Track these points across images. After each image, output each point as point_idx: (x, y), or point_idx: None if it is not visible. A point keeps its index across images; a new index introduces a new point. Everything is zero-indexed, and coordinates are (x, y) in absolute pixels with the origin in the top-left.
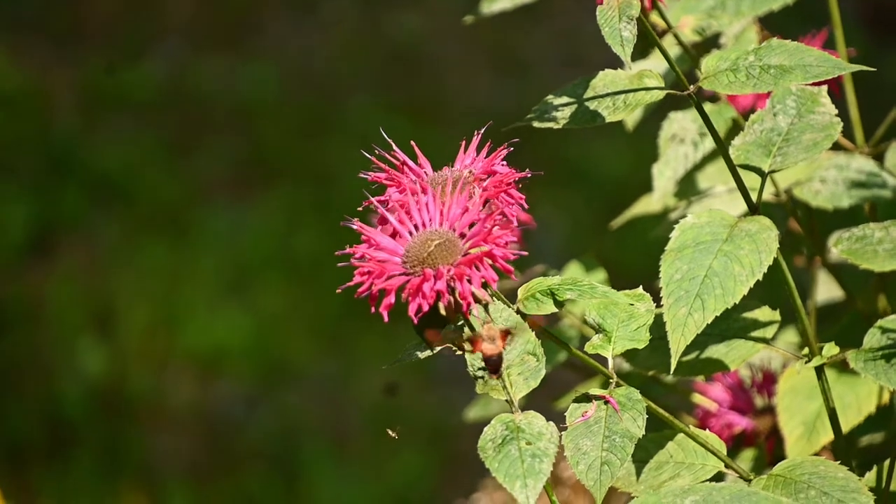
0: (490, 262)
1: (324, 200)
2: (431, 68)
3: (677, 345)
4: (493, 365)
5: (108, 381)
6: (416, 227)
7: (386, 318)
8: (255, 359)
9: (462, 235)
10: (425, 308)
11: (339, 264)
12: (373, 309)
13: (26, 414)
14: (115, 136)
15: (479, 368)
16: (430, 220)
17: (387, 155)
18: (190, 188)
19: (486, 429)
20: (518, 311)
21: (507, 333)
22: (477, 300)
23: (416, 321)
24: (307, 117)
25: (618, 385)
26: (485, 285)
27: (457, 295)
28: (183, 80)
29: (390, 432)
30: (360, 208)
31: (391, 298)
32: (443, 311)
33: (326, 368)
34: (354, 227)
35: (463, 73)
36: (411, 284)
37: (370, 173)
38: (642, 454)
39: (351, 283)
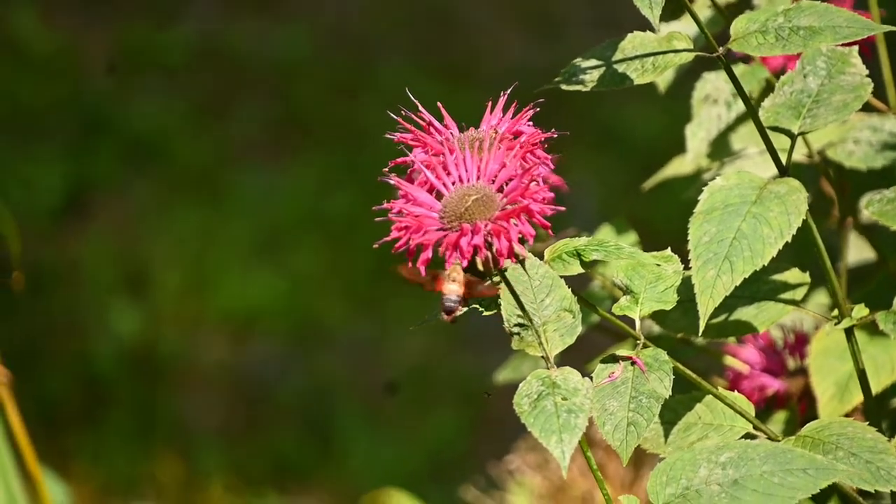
0: (527, 217)
1: (357, 161)
2: (465, 29)
3: (706, 307)
4: (446, 306)
5: (142, 342)
6: (453, 182)
7: (423, 273)
8: (288, 320)
9: (500, 191)
10: (463, 263)
11: (377, 219)
12: (409, 264)
13: (61, 375)
14: (149, 98)
15: (515, 324)
16: (468, 175)
17: (413, 116)
18: (223, 150)
19: (521, 385)
20: None
21: (471, 283)
22: (515, 255)
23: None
24: (341, 78)
25: (645, 346)
26: (522, 240)
27: (494, 250)
28: (216, 41)
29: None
30: (386, 168)
31: (429, 253)
32: (480, 267)
33: (360, 329)
34: (392, 182)
35: (496, 35)
36: (449, 239)
37: (396, 134)
38: (671, 416)
39: (388, 239)
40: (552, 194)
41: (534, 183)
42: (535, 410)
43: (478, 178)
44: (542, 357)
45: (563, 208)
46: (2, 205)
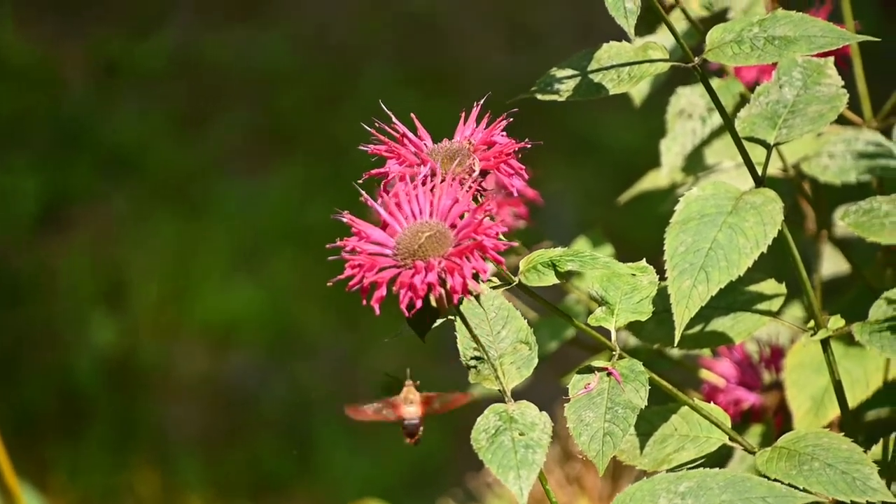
0: (481, 253)
1: (337, 172)
2: (446, 39)
3: (681, 317)
4: (408, 430)
5: (121, 353)
6: (406, 218)
7: (377, 312)
8: (268, 330)
9: (453, 226)
10: (417, 302)
11: (330, 258)
12: (364, 302)
13: (39, 386)
14: (128, 108)
15: (472, 358)
16: (421, 210)
17: (387, 127)
18: (203, 160)
19: (478, 420)
20: (520, 284)
21: (428, 399)
22: (468, 292)
23: (408, 315)
24: (321, 88)
25: (621, 357)
26: (476, 276)
27: (448, 287)
28: (196, 50)
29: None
30: (360, 181)
31: (382, 291)
32: (434, 304)
33: (339, 340)
34: (344, 220)
35: (477, 45)
36: (402, 277)
37: (370, 146)
38: (647, 427)
39: (342, 277)
40: (506, 228)
41: (487, 218)
42: (492, 446)
43: (431, 214)
44: (499, 390)
45: (516, 244)
46: None
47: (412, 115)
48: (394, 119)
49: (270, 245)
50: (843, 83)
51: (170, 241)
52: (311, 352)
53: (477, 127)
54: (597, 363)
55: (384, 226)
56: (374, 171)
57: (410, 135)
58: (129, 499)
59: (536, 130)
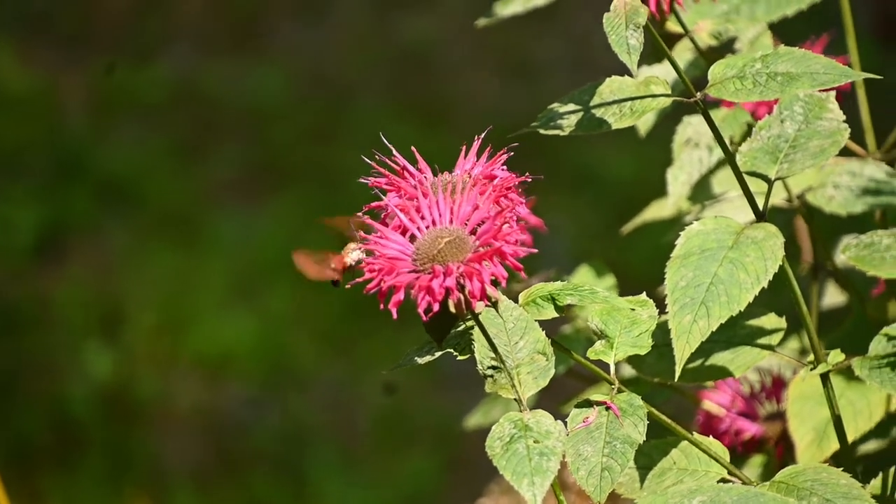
0: (500, 259)
1: (333, 204)
2: (442, 72)
3: (682, 352)
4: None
5: (116, 384)
6: (426, 224)
7: (395, 315)
8: (262, 362)
9: (472, 233)
10: (435, 307)
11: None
12: (382, 306)
13: (34, 417)
14: (125, 138)
15: (488, 367)
16: (441, 217)
17: (387, 160)
18: (199, 191)
19: (494, 427)
20: None
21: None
22: (487, 297)
23: (425, 319)
24: (317, 120)
25: (619, 391)
26: (495, 282)
27: (466, 292)
28: (192, 82)
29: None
30: (360, 213)
31: (400, 295)
32: (452, 309)
33: (333, 372)
34: (366, 222)
35: (473, 77)
36: (421, 281)
37: (370, 178)
38: (646, 461)
39: (361, 280)
40: (525, 236)
41: (506, 225)
42: (507, 453)
43: (451, 220)
44: (515, 399)
45: (535, 250)
46: None
47: (412, 148)
48: (394, 152)
49: (265, 276)
50: (844, 117)
51: (166, 271)
52: (305, 382)
53: (477, 160)
54: (595, 397)
55: (403, 231)
56: (373, 204)
57: (411, 168)
58: None
59: (533, 162)
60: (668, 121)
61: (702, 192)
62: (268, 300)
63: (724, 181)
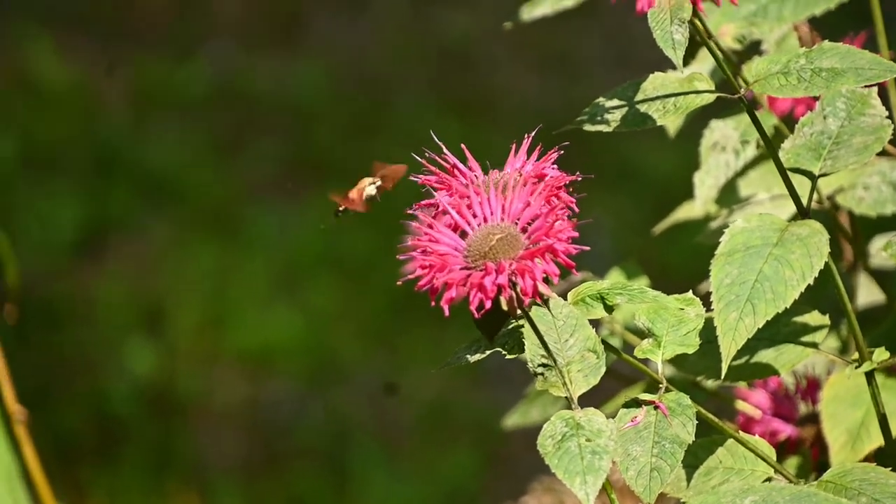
0: (552, 256)
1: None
2: (481, 68)
3: (728, 349)
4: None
5: (158, 379)
6: (477, 221)
7: (447, 313)
8: (305, 358)
9: (524, 230)
10: (487, 304)
11: (400, 256)
12: (433, 303)
13: (76, 413)
14: (165, 134)
15: (539, 365)
16: (492, 214)
17: (437, 158)
18: (239, 187)
19: (545, 426)
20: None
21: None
22: (539, 295)
23: (477, 316)
24: (357, 116)
25: (667, 390)
26: (547, 280)
27: (518, 290)
28: (232, 78)
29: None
30: (411, 209)
31: (452, 292)
32: (504, 306)
33: (376, 367)
34: (417, 219)
35: (512, 73)
36: (473, 278)
37: (420, 176)
38: (691, 459)
39: (411, 276)
40: (577, 233)
41: (558, 222)
42: (559, 451)
43: (502, 217)
44: (566, 398)
45: (587, 248)
46: (2, 234)
47: (462, 146)
48: (444, 150)
49: (307, 272)
50: (887, 114)
51: (207, 267)
52: (348, 378)
53: (528, 159)
54: (643, 396)
55: (455, 228)
56: (424, 202)
57: (461, 166)
58: None
59: (574, 159)
60: (700, 119)
61: (729, 196)
62: (310, 296)
63: (751, 184)
